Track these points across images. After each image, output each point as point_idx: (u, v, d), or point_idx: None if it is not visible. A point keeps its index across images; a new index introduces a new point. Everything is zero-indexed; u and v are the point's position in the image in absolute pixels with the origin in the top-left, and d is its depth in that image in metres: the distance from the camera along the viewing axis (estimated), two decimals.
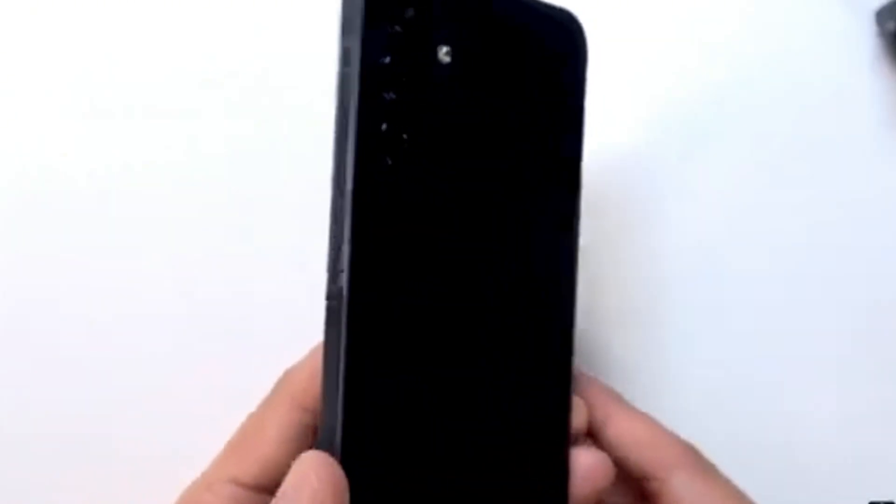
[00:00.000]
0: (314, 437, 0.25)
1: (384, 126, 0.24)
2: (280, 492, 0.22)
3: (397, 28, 0.24)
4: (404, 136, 0.24)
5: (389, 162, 0.24)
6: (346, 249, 0.24)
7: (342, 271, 0.24)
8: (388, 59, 0.24)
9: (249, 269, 0.33)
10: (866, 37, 0.34)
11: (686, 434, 0.28)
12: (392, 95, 0.24)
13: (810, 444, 0.33)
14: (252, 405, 0.33)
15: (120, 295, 0.33)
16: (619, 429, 0.27)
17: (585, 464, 0.26)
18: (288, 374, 0.27)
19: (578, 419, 0.26)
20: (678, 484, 0.26)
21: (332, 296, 0.24)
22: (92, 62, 0.34)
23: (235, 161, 0.34)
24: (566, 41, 0.27)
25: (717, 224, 0.34)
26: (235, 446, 0.26)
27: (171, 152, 0.34)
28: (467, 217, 0.25)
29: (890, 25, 0.33)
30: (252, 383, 0.33)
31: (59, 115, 0.34)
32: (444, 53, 0.25)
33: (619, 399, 0.28)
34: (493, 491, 0.25)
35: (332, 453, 0.23)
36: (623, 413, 0.27)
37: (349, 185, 0.24)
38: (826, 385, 0.34)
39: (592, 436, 0.27)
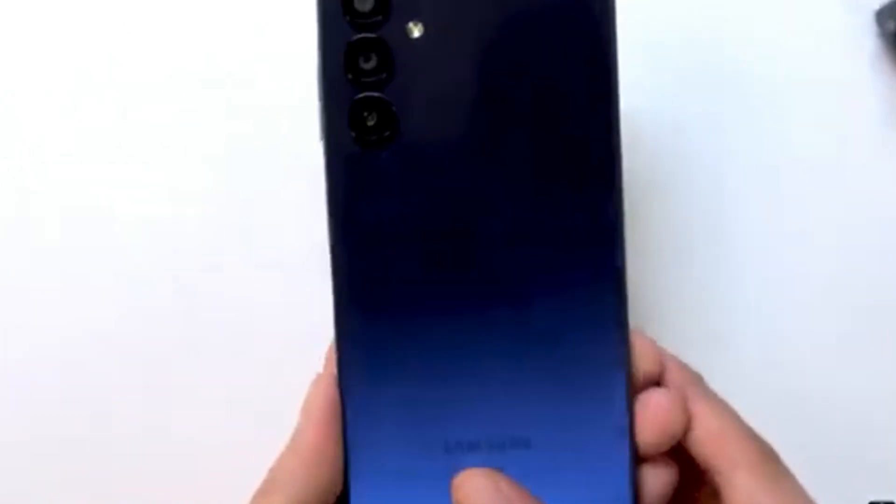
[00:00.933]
0: None
1: (347, 110, 0.24)
2: None
3: (354, 13, 0.24)
4: (368, 118, 0.24)
5: (360, 144, 0.24)
6: (330, 236, 0.25)
7: (330, 245, 0.25)
8: (348, 43, 0.24)
9: (249, 268, 0.33)
10: (866, 37, 0.34)
11: None
12: (355, 78, 0.24)
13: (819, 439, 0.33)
14: (252, 402, 0.33)
15: (120, 294, 0.33)
16: (692, 415, 0.25)
17: (654, 404, 0.25)
18: (330, 347, 0.27)
19: (646, 364, 0.25)
20: (738, 484, 0.24)
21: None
22: (93, 61, 0.34)
23: (235, 161, 0.34)
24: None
25: (716, 223, 0.34)
26: None
27: (168, 151, 0.34)
28: (471, 188, 0.25)
29: (890, 25, 0.33)
30: (253, 381, 0.33)
31: (58, 114, 0.34)
32: (414, 29, 0.24)
33: (697, 382, 0.26)
34: (537, 438, 0.25)
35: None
36: (698, 399, 0.25)
37: (324, 167, 0.24)
38: (827, 381, 0.34)
39: None
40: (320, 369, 0.26)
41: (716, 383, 0.27)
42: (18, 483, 0.33)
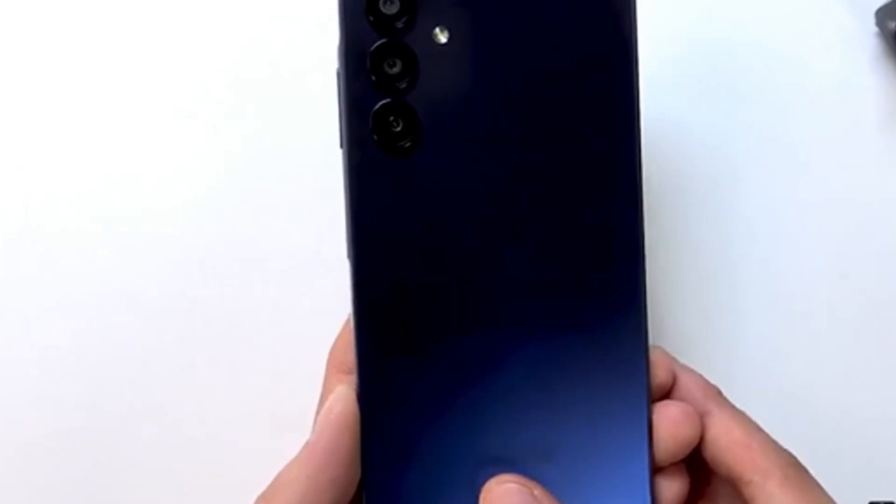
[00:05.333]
0: None
1: (371, 115, 0.24)
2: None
3: (379, 17, 0.24)
4: (392, 123, 0.24)
5: (383, 150, 0.24)
6: (348, 238, 0.24)
7: (349, 257, 0.25)
8: (373, 47, 0.24)
9: (250, 271, 0.33)
10: (866, 37, 0.34)
11: None
12: (379, 83, 0.24)
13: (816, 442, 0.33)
14: (252, 406, 0.33)
15: (125, 295, 0.33)
16: (715, 428, 0.26)
17: (667, 416, 0.25)
18: (331, 349, 0.27)
19: (659, 375, 0.26)
20: (771, 493, 0.24)
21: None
22: (92, 62, 0.34)
23: (236, 163, 0.34)
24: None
25: (715, 223, 0.34)
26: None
27: (169, 153, 0.34)
28: (495, 197, 0.25)
29: (890, 25, 0.33)
30: (253, 384, 0.33)
31: (56, 116, 0.34)
32: (440, 34, 0.24)
33: (717, 395, 0.27)
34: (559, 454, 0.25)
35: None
36: (721, 412, 0.26)
37: (344, 172, 0.24)
38: (825, 382, 0.34)
39: None
40: (320, 372, 0.26)
41: (716, 382, 0.27)
42: (21, 484, 0.33)
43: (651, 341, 0.27)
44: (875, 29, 0.34)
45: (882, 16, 0.34)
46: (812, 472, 0.25)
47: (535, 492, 0.24)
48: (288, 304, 0.33)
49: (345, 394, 0.25)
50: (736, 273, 0.34)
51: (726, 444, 0.25)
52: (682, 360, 0.27)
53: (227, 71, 0.34)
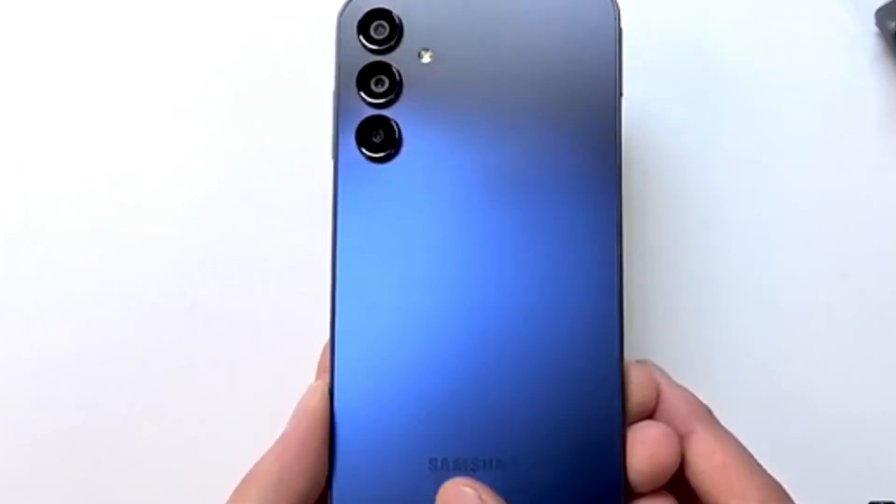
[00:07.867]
0: None
1: (357, 127, 0.26)
2: None
3: (369, 39, 0.26)
4: (375, 135, 0.26)
5: (367, 160, 0.26)
6: (331, 246, 0.26)
7: (331, 264, 0.26)
8: (362, 66, 0.26)
9: (248, 272, 0.33)
10: (866, 37, 0.34)
11: None
12: (366, 98, 0.26)
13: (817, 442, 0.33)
14: (250, 406, 0.33)
15: (125, 295, 0.33)
16: (697, 449, 0.25)
17: (646, 438, 0.25)
18: (323, 349, 0.27)
19: (640, 393, 0.25)
20: None
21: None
22: (90, 64, 0.34)
23: (233, 165, 0.34)
24: (584, 18, 0.26)
25: (715, 223, 0.34)
26: None
27: (167, 154, 0.34)
28: (470, 202, 0.26)
29: (890, 25, 0.33)
30: (250, 385, 0.33)
31: (54, 117, 0.34)
32: (425, 55, 0.26)
33: (706, 415, 0.26)
34: (527, 468, 0.25)
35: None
36: (705, 432, 0.25)
37: (332, 180, 0.26)
38: (827, 382, 0.34)
39: None
40: (313, 375, 0.27)
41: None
42: (21, 484, 0.33)
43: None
44: (875, 29, 0.34)
45: (882, 16, 0.34)
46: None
47: (483, 495, 0.24)
48: (288, 304, 0.33)
49: (319, 389, 0.26)
50: (735, 274, 0.34)
51: (705, 467, 0.25)
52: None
53: (227, 71, 0.34)
